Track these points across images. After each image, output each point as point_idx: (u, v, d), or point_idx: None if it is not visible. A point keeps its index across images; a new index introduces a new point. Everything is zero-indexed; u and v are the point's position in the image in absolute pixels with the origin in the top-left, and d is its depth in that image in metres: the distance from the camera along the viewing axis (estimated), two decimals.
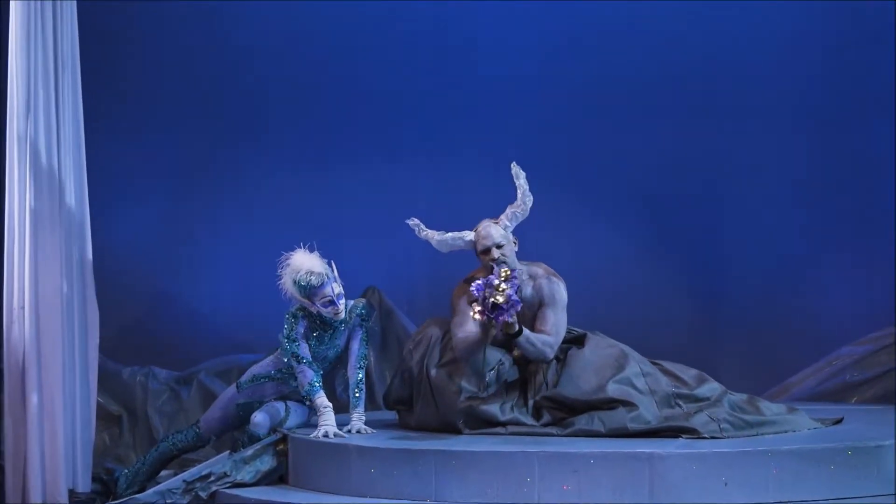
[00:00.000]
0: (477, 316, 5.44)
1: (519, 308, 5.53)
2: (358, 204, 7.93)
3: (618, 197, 7.95)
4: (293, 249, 5.87)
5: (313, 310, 5.83)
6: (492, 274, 5.66)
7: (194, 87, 7.96)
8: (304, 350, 5.83)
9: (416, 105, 7.98)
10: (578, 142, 7.95)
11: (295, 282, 5.79)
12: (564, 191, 7.92)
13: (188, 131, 7.94)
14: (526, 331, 5.69)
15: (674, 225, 7.89)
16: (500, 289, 5.40)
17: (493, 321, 5.47)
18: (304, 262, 5.81)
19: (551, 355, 5.76)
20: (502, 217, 5.91)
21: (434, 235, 5.93)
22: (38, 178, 6.09)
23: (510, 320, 5.52)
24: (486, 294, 5.42)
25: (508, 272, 5.46)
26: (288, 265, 5.83)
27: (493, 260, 5.79)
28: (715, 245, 7.88)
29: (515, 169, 5.91)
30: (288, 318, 5.87)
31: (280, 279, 5.86)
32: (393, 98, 8.00)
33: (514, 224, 5.90)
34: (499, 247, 5.80)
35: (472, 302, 5.53)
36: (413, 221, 5.93)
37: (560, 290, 5.87)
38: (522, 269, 5.83)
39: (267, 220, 7.93)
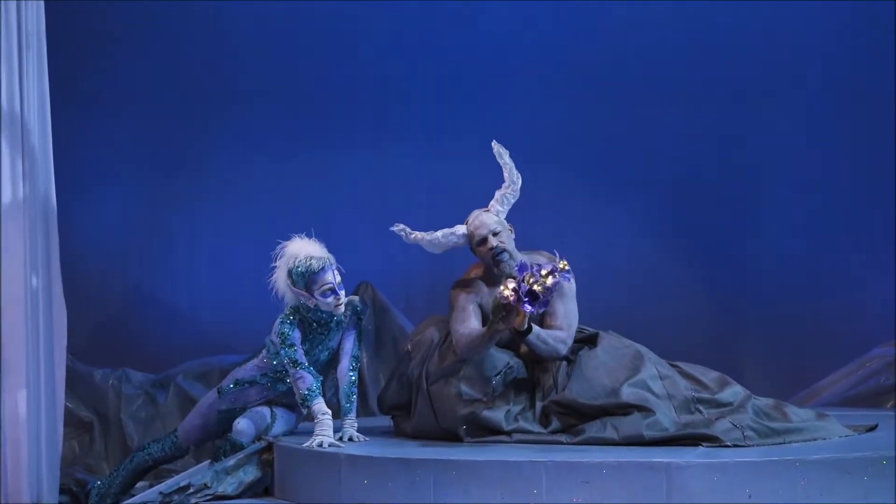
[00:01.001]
0: (507, 292, 5.35)
1: (545, 309, 5.49)
2: (350, 192, 7.94)
3: (634, 186, 7.96)
4: (280, 241, 5.85)
5: (311, 303, 5.78)
6: (496, 266, 5.67)
7: (173, 69, 7.96)
8: (302, 355, 5.80)
9: (415, 86, 8.01)
10: (592, 127, 7.98)
11: (292, 269, 5.75)
12: (576, 180, 7.96)
13: (165, 114, 7.95)
14: (536, 328, 5.66)
15: (694, 216, 7.92)
16: (546, 281, 5.33)
17: (519, 308, 5.39)
18: (303, 248, 5.78)
19: (564, 351, 5.75)
20: (493, 203, 5.90)
21: (424, 237, 5.92)
22: None
23: (532, 313, 5.46)
24: (528, 277, 5.35)
25: (566, 265, 5.40)
26: (283, 255, 5.80)
27: (492, 249, 5.76)
28: (738, 238, 7.91)
29: (497, 147, 5.89)
30: (281, 323, 5.82)
31: (271, 275, 5.83)
32: (390, 78, 8.01)
33: (507, 208, 5.89)
34: (495, 234, 5.79)
35: (510, 277, 5.47)
36: (398, 227, 5.91)
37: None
38: (523, 258, 5.80)
39: (251, 210, 7.94)
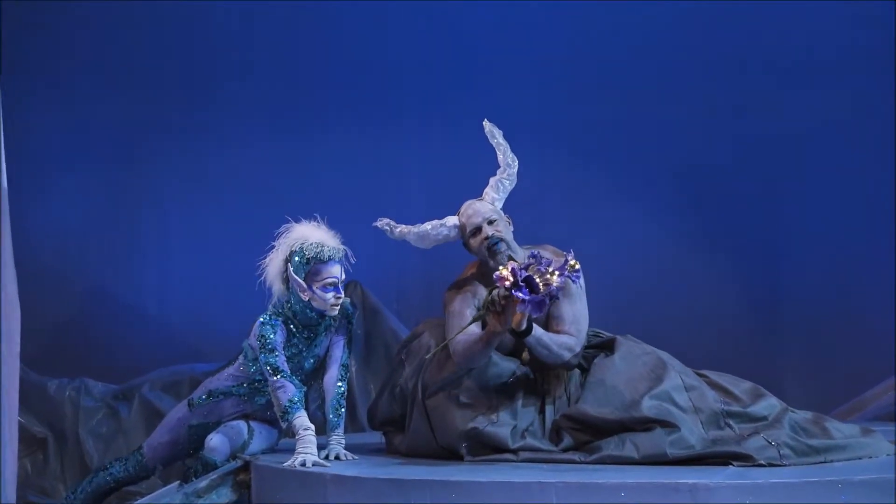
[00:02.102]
0: (505, 272, 5.30)
1: (543, 313, 5.45)
2: (338, 182, 7.93)
3: (652, 177, 7.99)
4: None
5: (304, 296, 5.76)
6: (492, 259, 5.65)
7: (141, 47, 7.99)
8: (284, 362, 5.79)
9: (410, 68, 8.03)
10: (606, 109, 8.00)
11: (296, 252, 5.74)
12: (589, 167, 7.99)
13: (132, 97, 7.98)
14: (537, 329, 5.61)
15: (720, 209, 7.96)
16: (552, 279, 5.30)
17: (513, 295, 5.32)
18: (314, 233, 5.79)
19: (570, 358, 5.70)
20: (487, 190, 5.88)
21: (411, 231, 5.91)
22: None
23: (526, 313, 5.41)
24: (533, 266, 5.31)
25: (577, 264, 5.37)
26: (287, 236, 5.80)
27: (487, 239, 5.72)
28: (773, 231, 7.93)
29: (489, 126, 5.88)
30: (263, 324, 5.81)
31: (264, 258, 5.83)
32: (383, 60, 8.04)
33: (504, 196, 5.88)
34: (490, 222, 5.76)
35: (510, 260, 5.48)
36: (382, 222, 5.90)
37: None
38: (525, 254, 5.76)
39: (227, 202, 7.97)
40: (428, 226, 5.90)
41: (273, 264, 5.82)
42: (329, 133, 7.99)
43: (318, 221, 5.81)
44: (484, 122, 5.87)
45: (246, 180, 7.94)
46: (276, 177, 7.94)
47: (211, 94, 7.96)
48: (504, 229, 5.77)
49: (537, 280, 5.31)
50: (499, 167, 5.87)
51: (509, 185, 5.88)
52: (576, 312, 5.74)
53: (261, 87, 7.98)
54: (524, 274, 5.30)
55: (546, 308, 5.42)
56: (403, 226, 5.90)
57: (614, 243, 7.78)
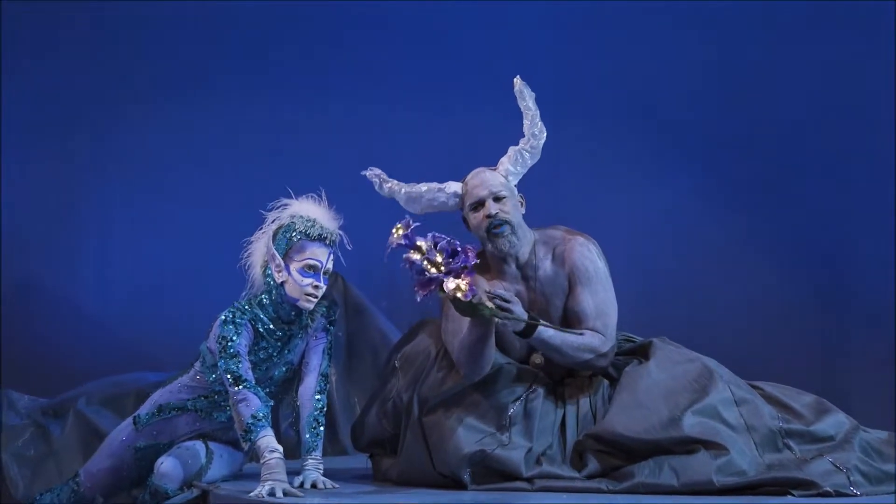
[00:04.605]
0: (451, 285, 5.31)
1: (471, 258, 5.40)
2: (316, 157, 7.97)
3: (697, 145, 8.01)
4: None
5: (278, 277, 5.78)
6: (491, 243, 5.68)
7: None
8: (248, 370, 5.76)
9: (408, 21, 8.11)
10: (635, 69, 8.02)
11: (284, 226, 5.80)
12: (620, 139, 8.00)
13: (69, 59, 8.07)
14: (545, 329, 5.61)
15: (780, 185, 7.96)
16: (408, 240, 5.38)
17: (460, 274, 5.35)
18: (312, 210, 5.85)
19: (592, 358, 5.66)
20: (503, 160, 5.88)
21: (402, 188, 5.95)
22: None
23: (471, 258, 5.39)
24: (415, 254, 5.36)
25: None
26: (285, 207, 5.87)
27: (490, 217, 5.73)
28: (842, 215, 7.95)
29: (519, 85, 5.88)
30: (224, 323, 5.79)
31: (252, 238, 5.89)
32: (378, 10, 8.09)
33: (522, 171, 5.89)
34: (497, 199, 5.78)
35: (420, 277, 5.45)
36: (372, 172, 5.96)
37: (592, 256, 5.80)
38: (535, 236, 5.82)
39: (180, 178, 7.98)
40: (423, 187, 5.95)
41: (259, 244, 5.85)
42: (307, 99, 8.09)
43: (319, 198, 5.83)
44: (515, 80, 5.84)
45: (207, 155, 7.98)
46: (241, 152, 7.99)
47: (169, 54, 8.06)
48: (512, 210, 5.76)
49: (429, 244, 5.34)
50: (522, 136, 5.83)
51: (530, 159, 5.88)
52: (598, 303, 5.75)
53: (233, 45, 8.08)
54: (450, 264, 5.32)
55: (468, 256, 5.37)
56: (395, 181, 5.92)
57: (647, 229, 7.85)
